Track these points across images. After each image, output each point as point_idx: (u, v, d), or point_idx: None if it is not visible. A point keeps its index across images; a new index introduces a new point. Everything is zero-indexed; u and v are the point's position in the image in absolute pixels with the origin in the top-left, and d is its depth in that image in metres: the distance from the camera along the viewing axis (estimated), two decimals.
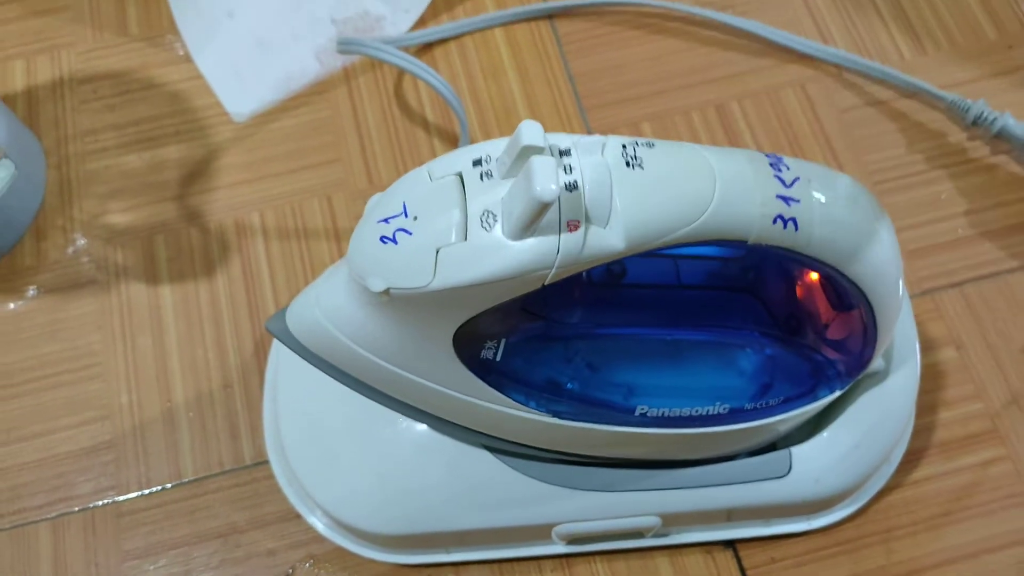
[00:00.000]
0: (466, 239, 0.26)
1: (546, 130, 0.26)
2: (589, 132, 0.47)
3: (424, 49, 0.49)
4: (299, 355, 0.32)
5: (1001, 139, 0.45)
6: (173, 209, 0.46)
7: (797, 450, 0.35)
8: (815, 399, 0.33)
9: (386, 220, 0.27)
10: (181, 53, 0.49)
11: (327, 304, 0.30)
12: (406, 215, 0.27)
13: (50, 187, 0.46)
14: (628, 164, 0.25)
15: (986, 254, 0.44)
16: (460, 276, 0.26)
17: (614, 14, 0.50)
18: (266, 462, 0.40)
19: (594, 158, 0.26)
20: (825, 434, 0.35)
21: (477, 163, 0.26)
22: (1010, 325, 0.42)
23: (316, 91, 0.49)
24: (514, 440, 0.33)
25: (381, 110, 0.48)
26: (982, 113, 0.44)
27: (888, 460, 0.37)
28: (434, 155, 0.47)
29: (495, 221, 0.25)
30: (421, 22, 0.50)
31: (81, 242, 0.45)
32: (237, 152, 0.47)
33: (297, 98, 0.48)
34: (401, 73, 0.49)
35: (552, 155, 0.25)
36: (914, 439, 0.39)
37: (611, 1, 0.50)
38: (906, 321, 0.37)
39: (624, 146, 0.26)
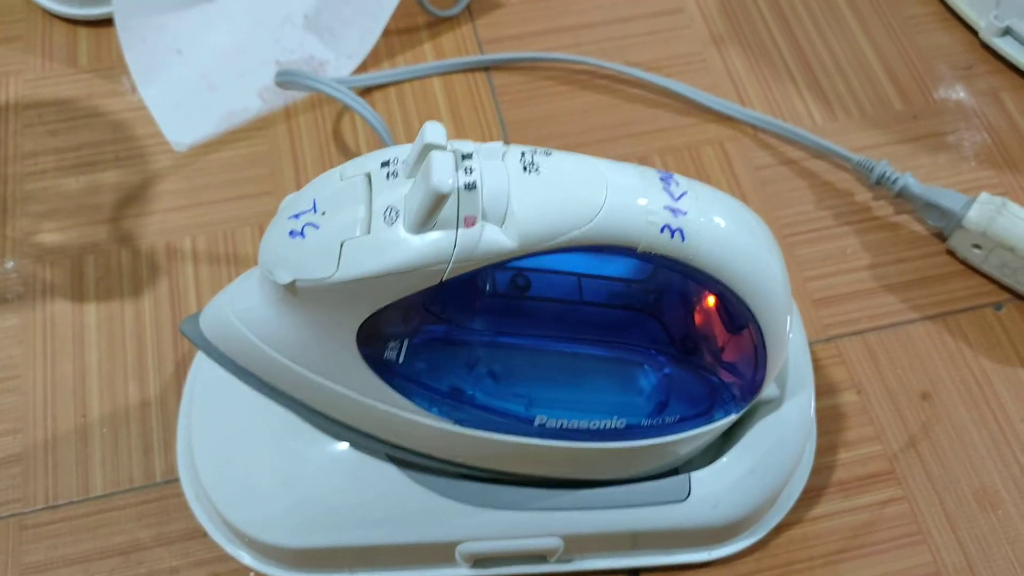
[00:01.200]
0: (369, 233, 0.27)
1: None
2: None
3: (364, 92, 0.52)
4: (211, 357, 0.33)
5: (903, 199, 0.47)
6: (106, 231, 0.46)
7: (696, 474, 0.36)
8: (711, 420, 0.34)
9: (296, 216, 0.28)
10: (127, 86, 0.51)
11: (240, 305, 0.31)
12: (315, 211, 0.28)
13: None
14: (525, 169, 0.27)
15: (887, 306, 0.46)
16: (361, 268, 0.27)
17: (547, 69, 0.53)
18: (177, 480, 0.40)
19: (494, 162, 0.27)
20: (723, 460, 0.36)
21: (385, 164, 0.28)
22: (908, 372, 0.44)
23: (256, 127, 0.50)
24: (417, 450, 0.34)
25: (319, 146, 0.50)
26: (885, 173, 0.47)
27: (786, 492, 0.39)
28: None
29: (397, 217, 0.27)
30: (363, 68, 0.52)
31: (11, 261, 0.45)
32: (174, 180, 0.48)
33: (237, 132, 0.50)
34: (340, 114, 0.51)
35: (455, 156, 0.27)
36: (814, 477, 0.41)
37: (545, 57, 0.52)
38: (800, 349, 0.38)
39: (523, 153, 0.28)
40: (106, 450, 0.41)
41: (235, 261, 0.46)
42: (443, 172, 0.25)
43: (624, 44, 0.54)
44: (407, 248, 0.26)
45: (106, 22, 0.53)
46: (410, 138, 0.50)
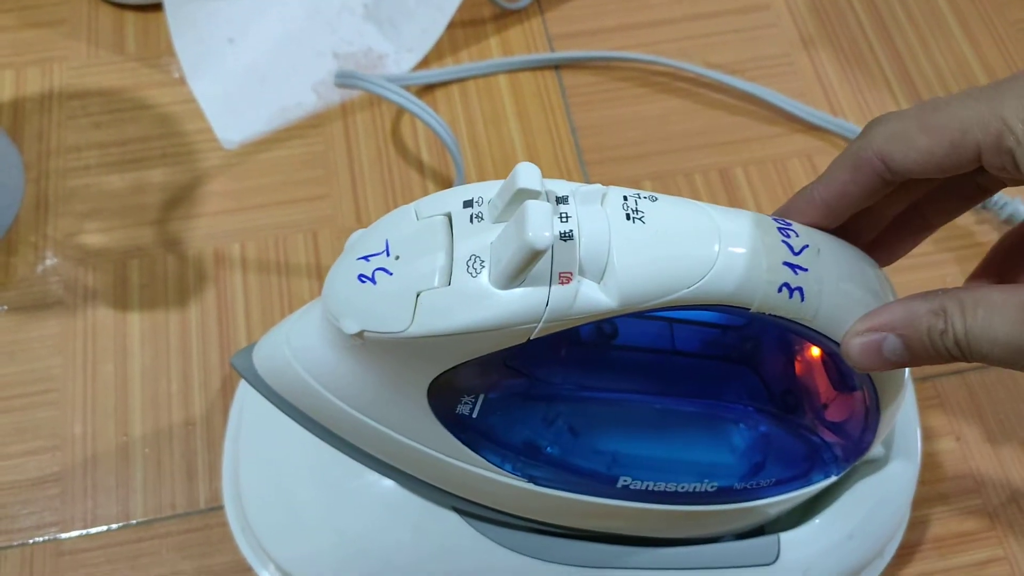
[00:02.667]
0: (450, 284, 0.24)
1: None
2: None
3: (425, 90, 0.48)
4: (264, 396, 0.30)
5: (1010, 224, 0.43)
6: (151, 234, 0.44)
7: (786, 536, 0.33)
8: (809, 483, 0.31)
9: (366, 258, 0.25)
10: (176, 76, 0.48)
11: (297, 344, 0.28)
12: (388, 254, 0.25)
13: (26, 201, 0.44)
14: (628, 217, 0.24)
15: None
16: (440, 324, 0.24)
17: (622, 69, 0.49)
18: (221, 507, 0.38)
19: (593, 208, 0.24)
20: (817, 521, 0.33)
21: (468, 204, 0.25)
22: (1012, 418, 0.40)
23: (311, 124, 0.47)
24: (486, 504, 0.31)
25: (376, 149, 0.46)
26: (991, 197, 0.43)
27: (881, 554, 0.35)
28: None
29: (482, 267, 0.23)
30: (424, 63, 0.49)
31: (52, 261, 0.43)
32: (224, 180, 0.45)
33: (290, 130, 0.47)
34: (399, 113, 0.47)
35: (548, 201, 0.24)
36: (909, 531, 0.37)
37: (620, 56, 0.49)
38: (909, 407, 0.35)
39: (625, 198, 0.24)
40: (148, 473, 0.39)
41: (286, 271, 0.43)
42: (540, 226, 0.22)
43: (705, 43, 0.50)
44: (493, 304, 0.23)
45: (154, 6, 0.50)
46: (474, 143, 0.47)
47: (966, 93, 0.23)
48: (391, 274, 0.25)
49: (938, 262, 0.44)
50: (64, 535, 0.38)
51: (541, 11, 0.51)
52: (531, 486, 0.29)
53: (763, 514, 0.32)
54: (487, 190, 0.25)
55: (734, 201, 0.45)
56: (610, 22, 0.50)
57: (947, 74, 0.49)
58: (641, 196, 0.25)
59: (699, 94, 0.48)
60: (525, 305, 0.23)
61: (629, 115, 0.48)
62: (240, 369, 0.31)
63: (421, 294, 0.24)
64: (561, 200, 0.24)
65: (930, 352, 0.24)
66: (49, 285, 0.43)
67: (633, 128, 0.47)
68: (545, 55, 0.49)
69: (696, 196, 0.45)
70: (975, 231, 0.45)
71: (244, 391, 0.38)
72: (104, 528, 0.38)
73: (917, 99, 0.48)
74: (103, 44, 0.49)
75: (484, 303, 0.23)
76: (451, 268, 0.24)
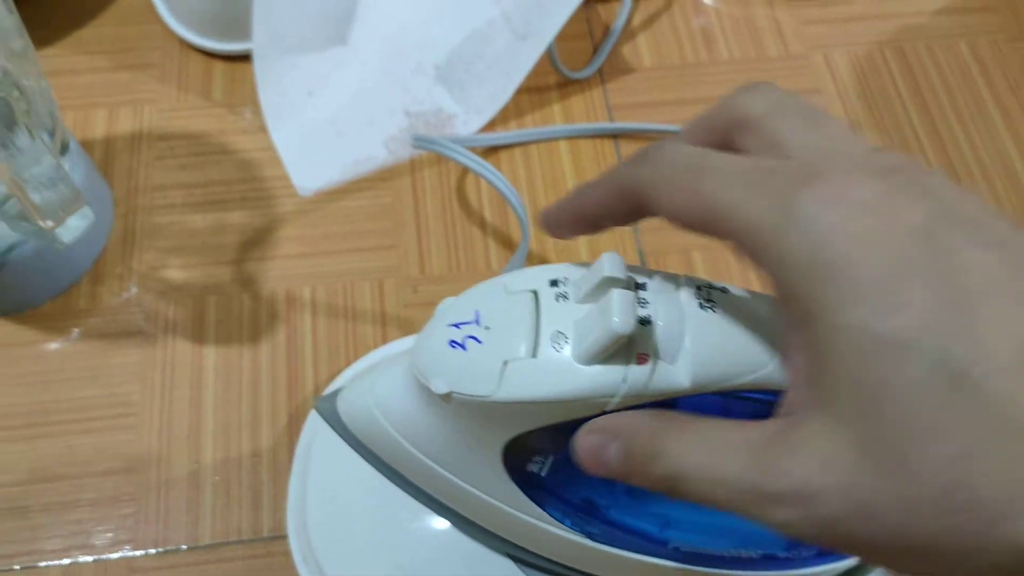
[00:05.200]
0: (535, 356, 0.26)
1: (599, 247, 0.27)
2: (641, 252, 0.48)
3: (489, 151, 0.51)
4: (343, 439, 0.33)
5: None
6: (228, 272, 0.47)
7: None
8: (848, 556, 0.33)
9: (457, 325, 0.28)
10: (258, 124, 0.51)
11: (382, 396, 0.31)
12: (478, 323, 0.27)
13: (114, 235, 0.47)
14: (701, 306, 0.26)
15: None
16: (525, 391, 0.26)
17: None
18: (284, 537, 0.40)
19: (669, 295, 0.26)
20: None
21: (554, 283, 0.27)
22: None
23: (381, 177, 0.50)
24: (543, 554, 0.33)
25: (441, 204, 0.49)
26: None
27: None
28: (488, 252, 0.48)
29: (565, 343, 0.26)
30: (490, 124, 0.52)
31: (135, 292, 0.46)
32: (297, 226, 0.48)
33: (362, 181, 0.50)
34: (465, 171, 0.50)
35: (629, 287, 0.26)
36: None
37: (676, 130, 0.51)
38: None
39: (699, 288, 0.27)
40: (217, 499, 0.41)
41: (353, 316, 0.46)
42: (625, 314, 0.24)
43: None
44: (575, 378, 0.26)
45: (241, 57, 0.53)
46: (533, 204, 0.49)
47: (736, 173, 0.21)
48: (481, 342, 0.27)
49: None
50: (136, 553, 0.40)
51: (603, 81, 0.54)
52: (587, 541, 0.31)
53: None
54: (571, 271, 0.28)
55: None
56: (668, 95, 0.53)
57: (988, 165, 0.51)
58: (714, 287, 0.27)
59: None
60: (604, 381, 0.26)
61: None
62: (324, 414, 0.34)
63: (508, 363, 0.26)
64: (640, 287, 0.26)
65: (641, 474, 0.23)
66: (132, 315, 0.45)
67: None
68: (604, 124, 0.52)
69: (744, 270, 0.48)
70: None
71: (313, 430, 0.41)
72: (174, 548, 0.40)
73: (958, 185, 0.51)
74: (191, 89, 0.52)
75: (567, 376, 0.26)
76: (537, 341, 0.26)
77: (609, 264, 0.26)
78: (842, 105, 0.53)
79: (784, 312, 0.21)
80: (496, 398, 0.26)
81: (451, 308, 0.29)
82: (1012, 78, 0.54)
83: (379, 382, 0.31)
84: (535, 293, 0.27)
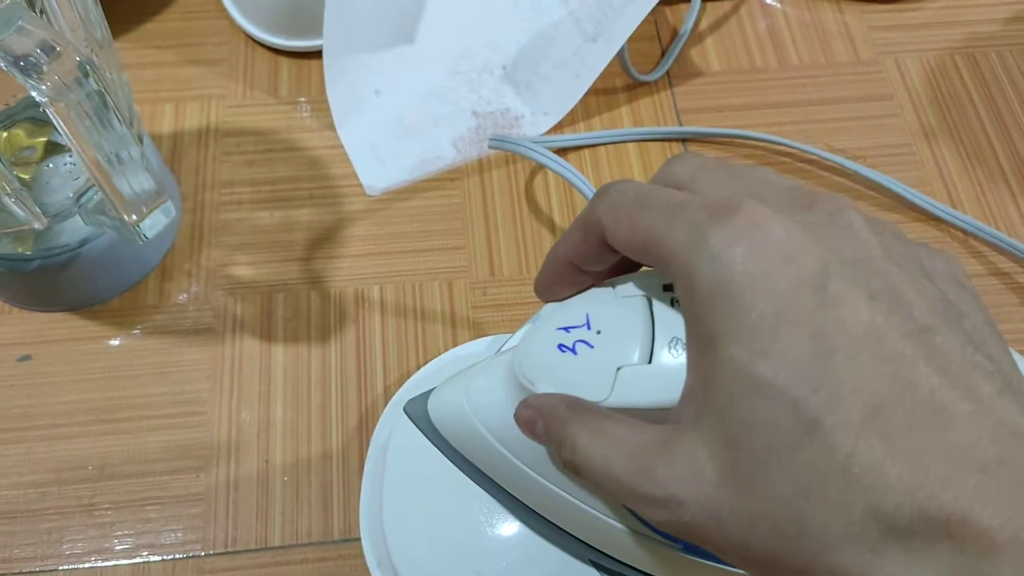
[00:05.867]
0: (650, 362, 0.26)
1: None
2: None
3: (558, 152, 0.51)
4: (432, 441, 0.32)
5: None
6: (296, 270, 0.46)
7: None
8: None
9: (566, 329, 0.27)
10: (325, 122, 0.51)
11: (478, 400, 0.30)
12: (588, 327, 0.27)
13: (182, 230, 0.47)
14: None
15: None
16: (640, 398, 0.25)
17: (746, 147, 0.51)
18: (355, 539, 0.40)
19: None
20: None
21: (667, 288, 0.27)
22: None
23: (449, 176, 0.50)
24: (629, 563, 0.33)
25: (511, 205, 0.49)
26: None
27: None
28: None
29: (683, 349, 0.25)
30: (558, 127, 0.51)
31: (203, 288, 0.46)
32: (365, 224, 0.48)
33: (430, 181, 0.49)
34: (533, 172, 0.50)
35: None
36: None
37: (744, 135, 0.51)
38: None
39: None
40: (286, 500, 0.41)
41: (422, 316, 0.45)
42: None
43: (828, 128, 0.52)
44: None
45: (307, 54, 0.53)
46: None
47: (665, 206, 0.23)
48: (592, 347, 0.27)
49: None
50: (206, 553, 0.40)
51: (671, 85, 0.53)
52: (682, 554, 0.31)
53: None
54: None
55: None
56: (736, 100, 0.53)
57: None
58: None
59: (821, 176, 0.50)
60: None
61: None
62: (413, 417, 0.33)
63: (621, 369, 0.26)
64: None
65: (557, 453, 0.26)
66: (201, 312, 0.45)
67: None
68: (673, 128, 0.51)
69: None
70: None
71: (387, 430, 0.40)
72: (244, 550, 0.40)
73: (873, 221, 0.50)
74: (258, 86, 0.52)
75: (682, 383, 0.25)
76: (652, 347, 0.26)
77: None
78: (914, 111, 0.52)
79: (689, 331, 0.23)
80: (609, 404, 0.26)
81: (558, 312, 0.28)
82: None
83: (474, 384, 0.31)
84: (647, 298, 0.27)
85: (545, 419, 0.26)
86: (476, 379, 0.31)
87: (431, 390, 0.33)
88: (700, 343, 0.22)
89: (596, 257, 0.27)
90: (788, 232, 0.21)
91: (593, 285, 0.28)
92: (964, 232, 0.48)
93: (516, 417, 0.27)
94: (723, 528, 0.21)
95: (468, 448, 0.32)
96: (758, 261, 0.21)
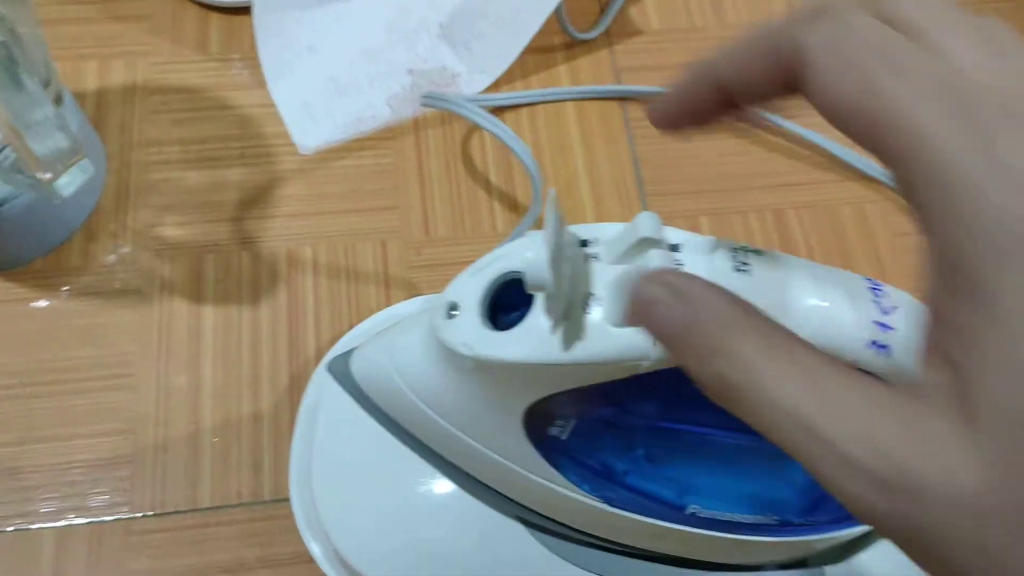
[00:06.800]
0: (567, 319, 0.26)
1: (606, 210, 0.26)
2: None
3: (495, 112, 0.50)
4: (356, 400, 0.32)
5: None
6: (227, 230, 0.46)
7: (832, 571, 0.35)
8: (860, 523, 0.33)
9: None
10: (256, 79, 0.50)
11: (401, 359, 0.30)
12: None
13: (107, 190, 0.46)
14: (736, 269, 0.26)
15: None
16: (554, 354, 0.25)
17: None
18: (285, 500, 0.39)
19: (704, 258, 0.26)
20: (863, 556, 0.35)
21: (584, 244, 0.27)
22: None
23: (383, 136, 0.49)
24: (557, 519, 0.33)
25: (446, 165, 0.48)
26: None
27: None
28: (493, 216, 0.47)
29: (597, 304, 0.25)
30: (495, 86, 0.51)
31: (130, 250, 0.45)
32: (298, 184, 0.47)
33: (364, 140, 0.49)
34: (470, 131, 0.49)
35: (665, 249, 0.25)
36: None
37: None
38: None
39: (734, 251, 0.26)
40: (215, 462, 0.41)
41: (355, 277, 0.45)
42: None
43: None
44: (607, 341, 0.25)
45: (239, 10, 0.51)
46: (539, 164, 0.48)
47: (929, 76, 0.17)
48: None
49: None
50: (134, 515, 0.39)
51: (610, 43, 0.53)
52: (605, 506, 0.31)
53: (813, 548, 0.34)
54: (602, 232, 0.27)
55: (786, 241, 0.47)
56: (676, 58, 0.52)
57: None
58: (748, 250, 0.26)
59: (757, 136, 0.50)
60: (637, 343, 0.25)
61: (689, 151, 0.50)
62: (335, 373, 0.33)
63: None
64: (675, 248, 0.26)
65: (695, 360, 0.19)
66: (127, 273, 0.44)
67: (692, 164, 0.49)
68: (612, 87, 0.51)
69: (750, 236, 0.47)
70: None
71: (317, 391, 0.40)
72: (172, 511, 0.39)
73: None
74: (186, 43, 0.51)
75: (599, 338, 0.25)
76: (568, 304, 0.26)
77: (645, 225, 0.25)
78: None
79: (936, 267, 0.16)
80: (523, 360, 0.26)
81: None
82: None
83: (397, 344, 0.31)
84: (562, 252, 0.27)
85: (694, 311, 0.19)
86: (399, 338, 0.31)
87: (355, 348, 0.33)
88: (969, 294, 0.16)
89: (764, 91, 0.20)
90: None
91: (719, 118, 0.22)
92: (896, 191, 0.49)
93: (634, 294, 0.20)
94: (981, 532, 0.15)
95: (392, 406, 0.32)
96: None
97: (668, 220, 0.47)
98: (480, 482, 0.33)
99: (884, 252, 0.47)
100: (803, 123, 0.50)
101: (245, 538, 0.39)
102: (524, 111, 0.50)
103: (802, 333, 0.25)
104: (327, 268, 0.45)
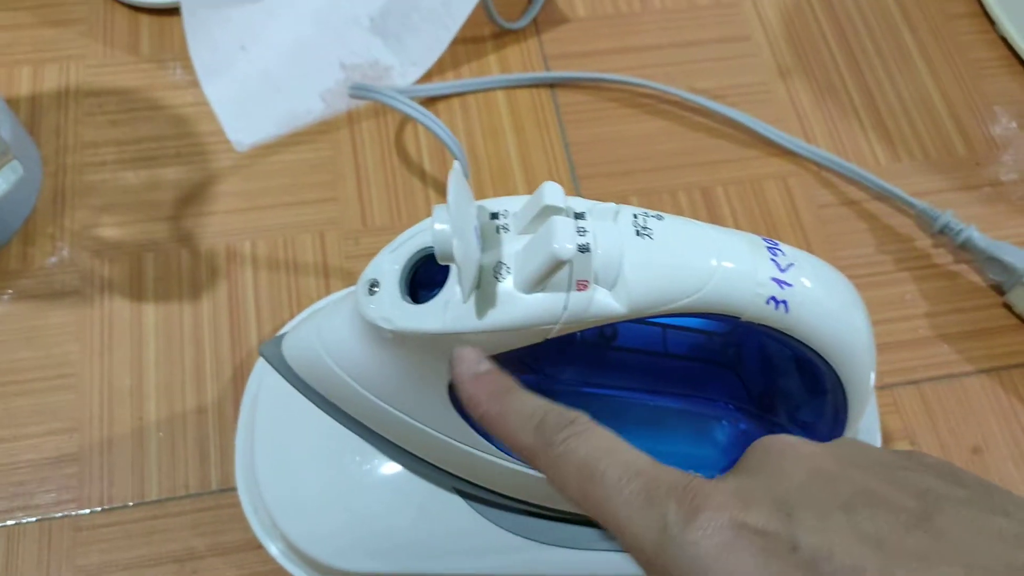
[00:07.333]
0: (478, 288, 0.27)
1: (537, 184, 0.27)
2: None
3: (428, 102, 0.51)
4: (289, 382, 0.33)
5: (964, 249, 0.47)
6: (165, 229, 0.46)
7: None
8: None
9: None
10: (189, 79, 0.50)
11: (328, 337, 0.31)
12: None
13: (44, 194, 0.46)
14: (638, 233, 0.27)
15: (943, 356, 0.46)
16: (469, 323, 0.27)
17: (612, 91, 0.52)
18: (232, 489, 0.40)
19: (607, 224, 0.27)
20: None
21: (494, 216, 0.28)
22: (961, 425, 0.44)
23: (318, 130, 0.50)
24: (489, 487, 0.34)
25: (381, 156, 0.49)
26: (949, 223, 0.47)
27: None
28: (429, 204, 0.48)
29: (507, 273, 0.26)
30: (427, 77, 0.52)
31: (68, 252, 0.45)
32: (235, 180, 0.48)
33: (299, 135, 0.50)
34: (403, 122, 0.50)
35: (569, 216, 0.27)
36: None
37: (610, 79, 0.52)
38: (870, 413, 0.38)
39: (635, 216, 0.27)
40: (162, 455, 0.41)
41: (295, 269, 0.46)
42: (565, 239, 0.25)
43: (690, 69, 0.53)
44: (517, 307, 0.26)
45: (169, 11, 0.52)
46: (473, 154, 0.50)
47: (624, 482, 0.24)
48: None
49: (897, 280, 0.48)
50: (81, 511, 0.40)
51: (538, 32, 0.54)
52: (534, 472, 0.32)
53: None
54: (511, 204, 0.28)
55: (715, 218, 0.49)
56: (602, 45, 0.54)
57: (911, 106, 0.53)
58: (649, 215, 0.28)
59: (683, 116, 0.52)
60: (546, 308, 0.26)
61: (618, 134, 0.51)
62: (269, 357, 0.34)
63: (452, 297, 0.27)
64: (579, 216, 0.27)
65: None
66: (66, 275, 0.45)
67: (622, 146, 0.51)
68: (541, 74, 0.52)
69: (679, 212, 0.49)
70: (932, 253, 0.49)
71: (258, 380, 0.41)
72: (120, 505, 0.40)
73: (883, 128, 0.52)
74: (118, 45, 0.51)
75: (509, 306, 0.26)
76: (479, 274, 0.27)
77: (549, 193, 0.26)
78: (771, 50, 0.54)
79: None
80: (440, 330, 0.27)
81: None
82: (933, 22, 0.56)
83: (324, 324, 0.31)
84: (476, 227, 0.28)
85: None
86: (326, 319, 0.32)
87: (285, 332, 0.34)
88: None
89: None
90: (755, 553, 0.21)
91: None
92: (817, 165, 0.51)
93: (461, 389, 0.26)
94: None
95: (324, 386, 0.32)
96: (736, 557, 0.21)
97: (600, 199, 0.48)
98: (416, 456, 0.34)
99: (808, 222, 0.49)
100: (727, 103, 0.52)
101: (194, 528, 0.40)
102: (456, 101, 0.51)
103: (705, 291, 0.27)
104: (267, 261, 0.46)
